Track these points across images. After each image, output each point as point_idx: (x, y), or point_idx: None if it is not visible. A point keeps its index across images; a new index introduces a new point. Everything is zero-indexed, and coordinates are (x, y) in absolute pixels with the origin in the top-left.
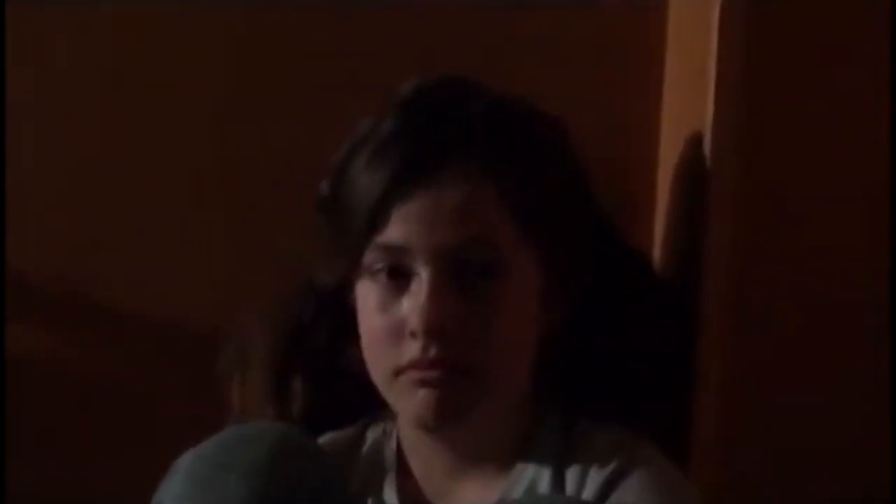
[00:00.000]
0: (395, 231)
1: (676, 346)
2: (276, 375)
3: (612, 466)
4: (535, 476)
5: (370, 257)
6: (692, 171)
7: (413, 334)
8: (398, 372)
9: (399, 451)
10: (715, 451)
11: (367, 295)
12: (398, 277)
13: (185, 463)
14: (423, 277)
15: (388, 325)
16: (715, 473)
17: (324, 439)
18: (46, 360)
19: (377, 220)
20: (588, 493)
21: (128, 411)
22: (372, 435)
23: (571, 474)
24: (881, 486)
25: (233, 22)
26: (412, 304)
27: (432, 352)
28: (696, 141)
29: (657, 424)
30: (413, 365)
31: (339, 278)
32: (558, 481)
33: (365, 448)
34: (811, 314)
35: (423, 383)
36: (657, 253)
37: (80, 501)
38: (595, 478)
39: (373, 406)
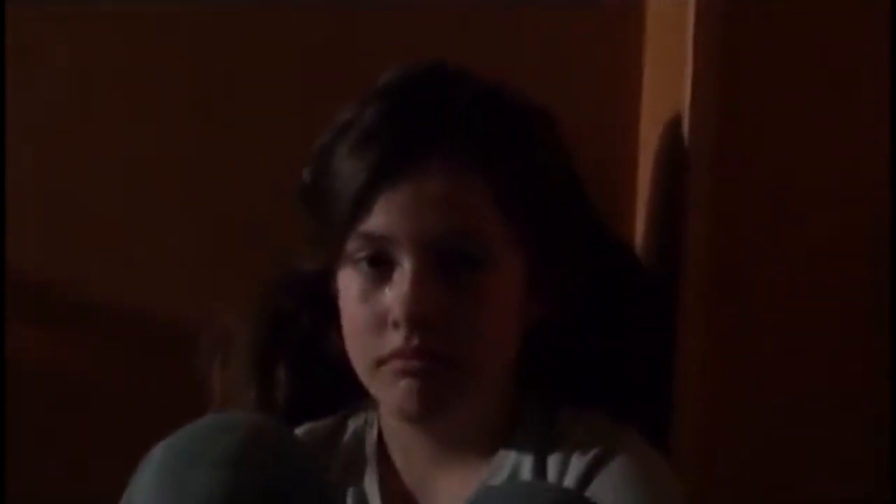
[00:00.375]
0: (379, 220)
1: (664, 340)
2: (258, 363)
3: (593, 453)
4: (517, 463)
5: (352, 246)
6: (671, 161)
7: (396, 324)
8: (380, 362)
9: (380, 441)
10: (698, 446)
11: (349, 284)
12: (380, 266)
13: (157, 455)
14: (405, 267)
15: (371, 314)
16: (699, 468)
17: (303, 429)
18: (46, 360)
19: (360, 208)
20: (569, 479)
21: (128, 411)
22: (353, 425)
23: (553, 461)
24: (879, 486)
25: (232, 22)
26: (395, 293)
27: (415, 342)
28: (674, 130)
29: (645, 419)
30: (395, 355)
31: (320, 266)
32: (540, 468)
33: (345, 438)
34: (795, 303)
35: (406, 373)
36: (637, 245)
37: (80, 501)
38: (576, 464)
39: (356, 395)
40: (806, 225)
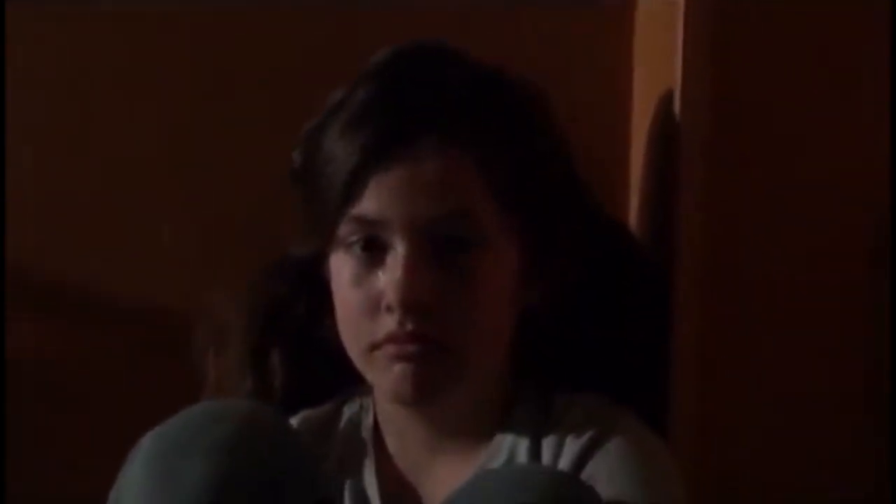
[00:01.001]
0: (371, 203)
1: (661, 328)
2: (253, 351)
3: (588, 435)
4: (513, 447)
5: (345, 230)
6: (663, 141)
7: (389, 308)
8: (374, 346)
9: (376, 426)
10: (694, 435)
11: (342, 268)
12: (373, 250)
13: (147, 444)
14: (398, 251)
15: (364, 299)
16: (695, 457)
17: (298, 417)
18: (46, 360)
19: (352, 191)
20: (564, 461)
21: (128, 411)
22: (349, 411)
23: (548, 444)
24: (879, 486)
25: (232, 22)
26: (388, 278)
27: (409, 326)
28: (666, 124)
29: (641, 406)
30: (390, 339)
31: (313, 250)
32: (536, 451)
33: (341, 425)
34: (791, 292)
35: (400, 358)
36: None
37: (80, 501)
38: (571, 447)
39: (352, 380)
40: (801, 217)
